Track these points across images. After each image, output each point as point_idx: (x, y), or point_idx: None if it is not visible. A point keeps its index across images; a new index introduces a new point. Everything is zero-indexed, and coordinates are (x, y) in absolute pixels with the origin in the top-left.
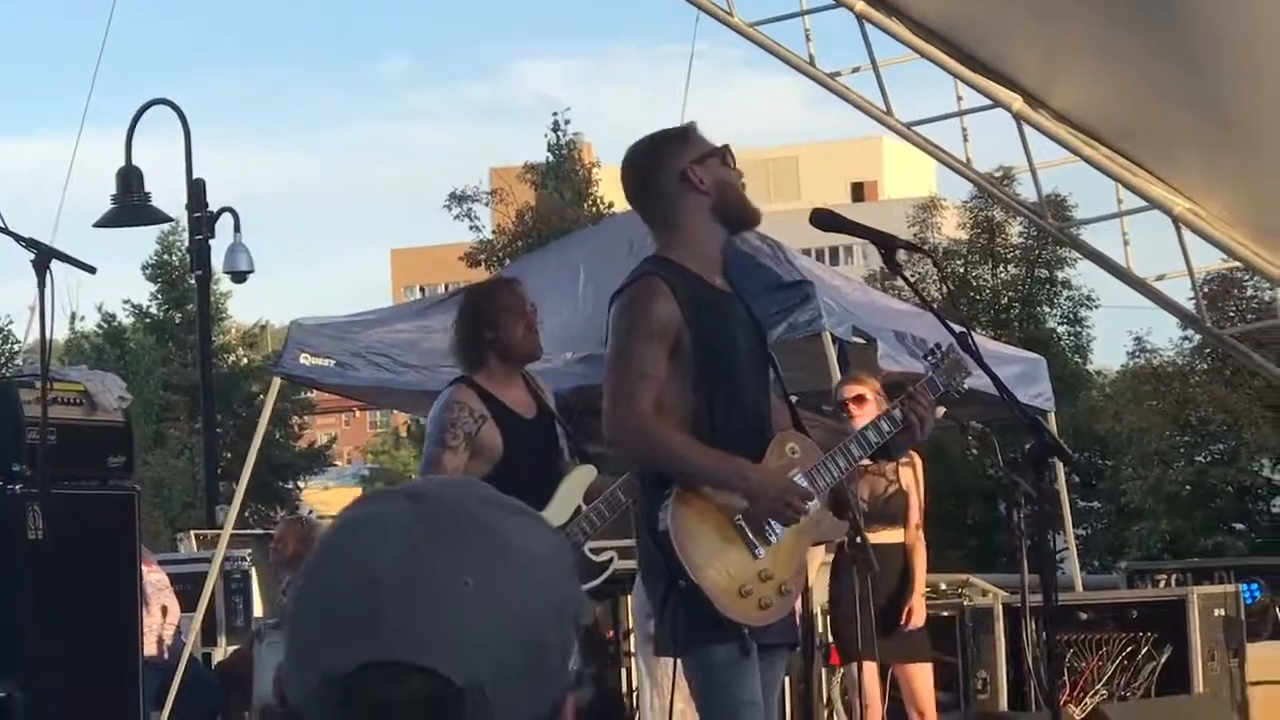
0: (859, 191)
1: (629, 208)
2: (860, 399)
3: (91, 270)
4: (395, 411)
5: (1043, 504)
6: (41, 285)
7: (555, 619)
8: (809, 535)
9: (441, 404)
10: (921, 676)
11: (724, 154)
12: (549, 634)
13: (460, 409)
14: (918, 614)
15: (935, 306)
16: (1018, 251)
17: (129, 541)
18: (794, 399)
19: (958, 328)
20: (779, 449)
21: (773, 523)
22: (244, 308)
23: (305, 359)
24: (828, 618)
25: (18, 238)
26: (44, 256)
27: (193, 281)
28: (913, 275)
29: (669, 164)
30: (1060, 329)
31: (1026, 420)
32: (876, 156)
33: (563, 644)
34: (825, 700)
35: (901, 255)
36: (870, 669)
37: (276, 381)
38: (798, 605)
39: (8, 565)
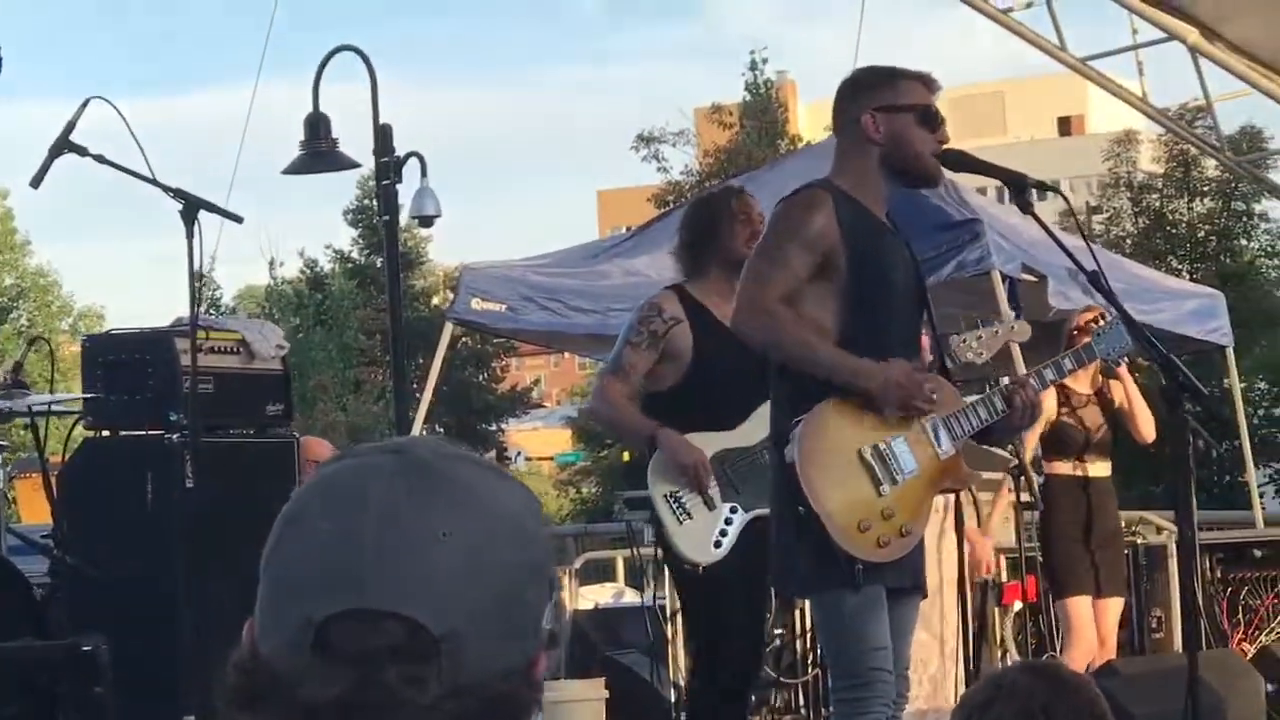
0: (1065, 126)
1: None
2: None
3: (239, 220)
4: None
5: (1184, 439)
6: (190, 235)
7: (531, 574)
8: (938, 482)
9: (638, 305)
10: (1116, 610)
11: (922, 113)
12: (526, 589)
13: (652, 310)
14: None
15: (1066, 245)
16: (1214, 185)
17: (289, 488)
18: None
19: (1090, 267)
20: None
21: (901, 462)
22: (446, 251)
23: (477, 304)
24: (1003, 558)
25: (165, 188)
26: (192, 207)
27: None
28: (1108, 211)
29: (857, 102)
30: (1260, 261)
31: (1159, 359)
32: (1083, 91)
33: (538, 599)
34: (999, 640)
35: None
36: (1083, 603)
37: (449, 327)
38: (942, 550)
39: (168, 512)
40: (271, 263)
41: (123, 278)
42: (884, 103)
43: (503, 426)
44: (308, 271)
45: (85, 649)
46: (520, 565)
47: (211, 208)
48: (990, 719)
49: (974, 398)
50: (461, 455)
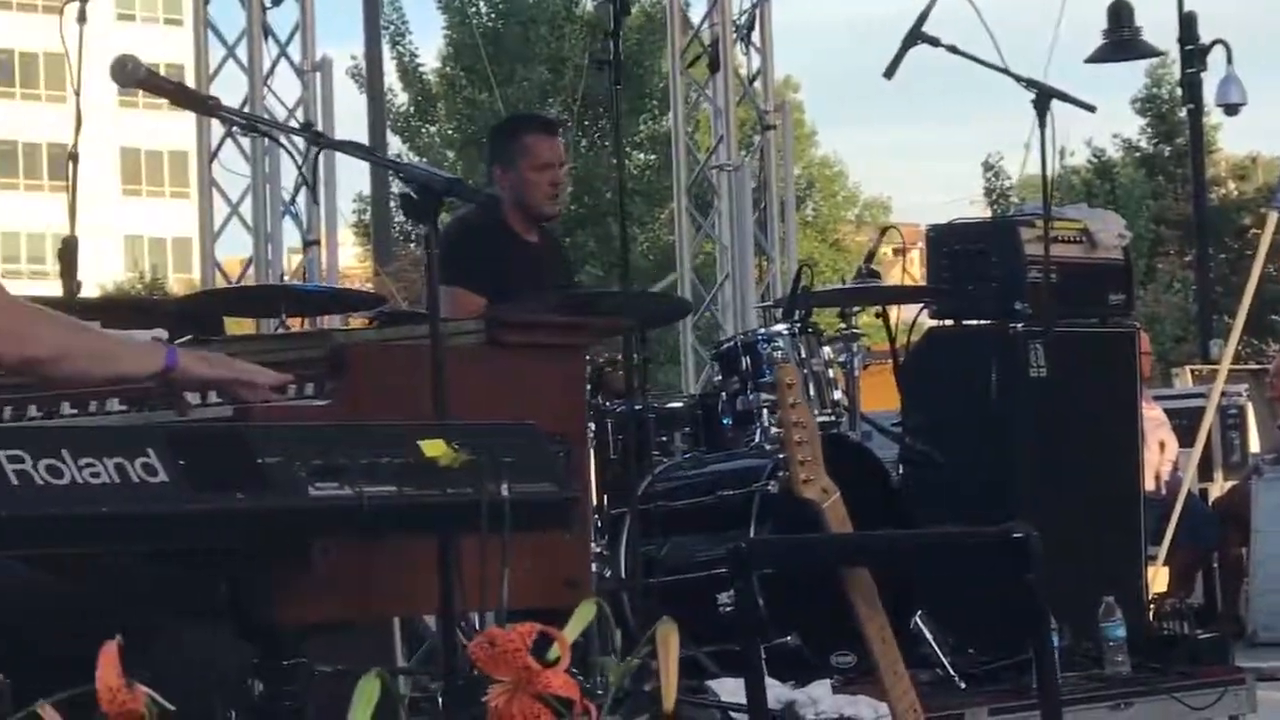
0: None
1: None
2: None
3: (1091, 109)
4: None
5: None
6: (1042, 125)
7: None
8: None
9: None
10: None
11: None
12: None
13: None
14: None
15: None
16: None
17: (1129, 379)
18: None
19: None
20: None
21: None
22: (1235, 140)
23: None
24: None
25: (1018, 78)
26: (1044, 96)
27: (1183, 115)
28: None
29: None
30: None
31: None
32: None
33: None
34: None
35: None
36: None
37: (1273, 216)
38: None
39: (1011, 402)
40: (1061, 152)
41: (900, 167)
42: None
43: None
44: (1095, 160)
45: (1017, 535)
46: None
47: (1065, 97)
48: None
49: None
50: None
